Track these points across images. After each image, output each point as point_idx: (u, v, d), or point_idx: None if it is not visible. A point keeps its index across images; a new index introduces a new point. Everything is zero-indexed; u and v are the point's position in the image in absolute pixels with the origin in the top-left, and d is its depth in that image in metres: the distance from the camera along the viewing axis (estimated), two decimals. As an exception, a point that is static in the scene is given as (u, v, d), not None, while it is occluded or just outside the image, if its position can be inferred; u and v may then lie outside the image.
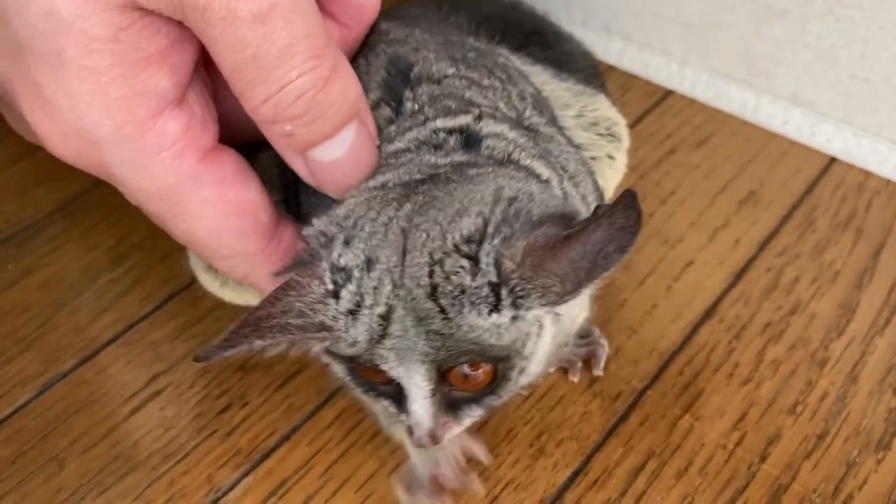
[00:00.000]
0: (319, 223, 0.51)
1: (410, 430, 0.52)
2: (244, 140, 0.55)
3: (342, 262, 0.48)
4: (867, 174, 0.91)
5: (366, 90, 0.55)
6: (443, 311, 0.47)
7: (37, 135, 0.51)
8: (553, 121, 0.65)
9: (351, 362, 0.51)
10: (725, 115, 0.98)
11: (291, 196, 0.62)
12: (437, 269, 0.47)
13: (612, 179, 0.72)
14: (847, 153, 0.92)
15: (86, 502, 0.67)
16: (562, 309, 0.49)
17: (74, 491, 0.67)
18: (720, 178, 0.91)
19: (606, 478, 0.67)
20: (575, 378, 0.73)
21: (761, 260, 0.82)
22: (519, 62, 0.70)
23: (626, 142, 0.72)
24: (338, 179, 0.54)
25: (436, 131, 0.55)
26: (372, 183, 0.53)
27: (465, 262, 0.47)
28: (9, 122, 0.57)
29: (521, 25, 0.84)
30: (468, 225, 0.47)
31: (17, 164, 0.94)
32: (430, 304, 0.47)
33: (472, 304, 0.47)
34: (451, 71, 0.59)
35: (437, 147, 0.54)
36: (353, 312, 0.48)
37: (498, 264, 0.46)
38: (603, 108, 0.71)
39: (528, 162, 0.54)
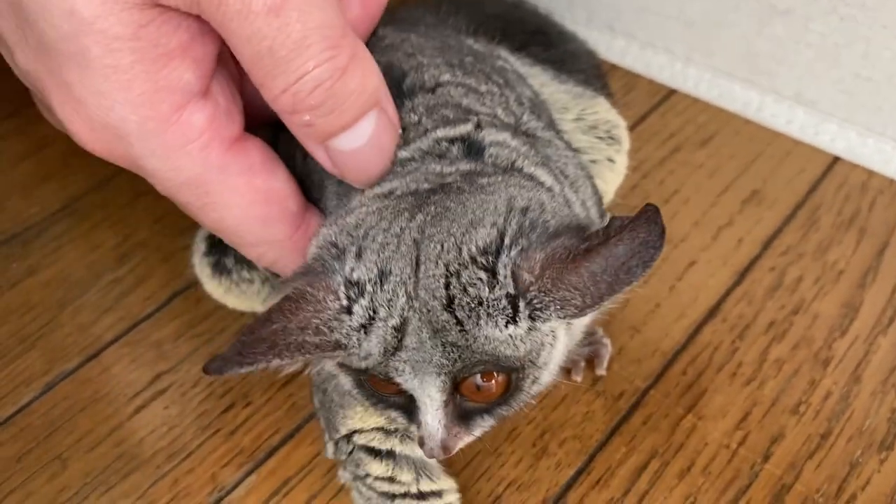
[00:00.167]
0: (329, 232, 0.51)
1: (421, 442, 0.51)
2: (271, 122, 0.56)
3: (355, 276, 0.48)
4: (871, 173, 0.90)
5: None
6: (459, 322, 0.47)
7: (68, 130, 0.52)
8: (551, 125, 0.65)
9: (361, 374, 0.51)
10: (729, 114, 0.98)
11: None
12: (453, 280, 0.47)
13: (612, 182, 0.71)
14: (850, 152, 0.92)
15: (89, 501, 0.67)
16: (575, 319, 0.49)
17: (78, 490, 0.67)
18: (724, 178, 0.91)
19: (609, 477, 0.67)
20: (578, 377, 0.73)
21: (765, 259, 0.82)
22: (518, 63, 0.70)
23: (626, 144, 0.71)
24: (360, 168, 0.54)
25: (438, 141, 0.55)
26: (378, 190, 0.53)
27: (483, 274, 0.47)
28: (44, 115, 0.58)
29: (524, 24, 0.84)
30: (483, 236, 0.47)
31: (22, 163, 0.94)
32: (446, 316, 0.47)
33: (490, 315, 0.46)
34: (445, 78, 0.59)
35: (440, 156, 0.54)
36: (365, 327, 0.48)
37: (516, 276, 0.46)
38: (602, 110, 0.71)
39: (532, 170, 0.54)
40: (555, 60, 0.73)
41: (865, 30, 0.86)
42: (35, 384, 0.74)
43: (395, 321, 0.47)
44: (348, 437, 0.62)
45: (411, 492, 0.62)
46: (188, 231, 0.71)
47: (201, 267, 0.69)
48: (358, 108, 0.51)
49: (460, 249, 0.47)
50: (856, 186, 0.89)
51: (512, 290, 0.46)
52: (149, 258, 0.84)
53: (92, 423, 0.72)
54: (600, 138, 0.70)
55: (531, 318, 0.47)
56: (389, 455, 0.61)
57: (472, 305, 0.46)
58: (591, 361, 0.74)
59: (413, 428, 0.52)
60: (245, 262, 0.68)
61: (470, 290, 0.46)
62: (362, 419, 0.60)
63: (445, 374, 0.48)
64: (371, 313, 0.48)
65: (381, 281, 0.48)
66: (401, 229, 0.49)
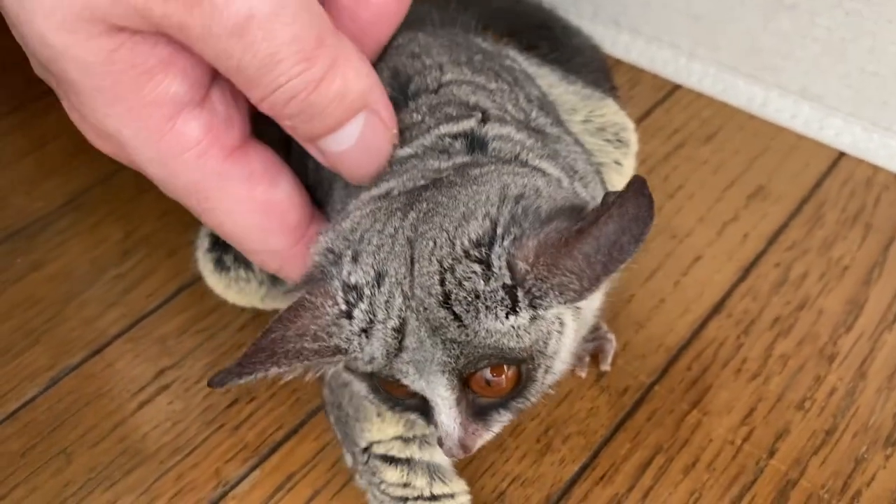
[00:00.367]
0: (325, 238, 0.51)
1: (440, 442, 0.51)
2: None
3: (353, 280, 0.48)
4: (876, 169, 0.90)
5: None
6: (457, 318, 0.46)
7: (81, 131, 0.53)
8: (558, 123, 0.64)
9: (372, 379, 0.51)
10: (734, 109, 0.98)
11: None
12: (447, 276, 0.46)
13: (618, 185, 0.71)
14: (856, 147, 0.92)
15: (94, 496, 0.67)
16: (583, 303, 0.49)
17: (83, 484, 0.67)
18: (729, 173, 0.90)
19: (613, 473, 0.67)
20: (582, 373, 0.73)
21: (770, 255, 0.82)
22: (526, 63, 0.69)
23: (634, 147, 0.71)
24: (351, 167, 0.54)
25: (441, 137, 0.54)
26: (375, 192, 0.52)
27: (477, 267, 0.46)
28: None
29: (530, 19, 0.84)
30: (475, 228, 0.47)
31: (26, 158, 0.94)
32: (443, 313, 0.46)
33: (488, 308, 0.46)
34: (449, 77, 0.59)
35: (441, 152, 0.54)
36: (366, 331, 0.47)
37: (511, 266, 0.46)
38: (611, 112, 0.70)
39: (537, 163, 0.53)
40: (562, 60, 0.73)
41: (871, 24, 0.86)
42: (39, 379, 0.74)
43: (393, 322, 0.47)
44: (367, 448, 0.62)
45: (424, 495, 0.62)
46: (193, 226, 0.71)
47: (204, 262, 0.69)
48: (340, 113, 0.50)
49: (453, 244, 0.47)
50: (861, 182, 0.89)
51: (509, 281, 0.46)
52: (153, 253, 0.84)
53: (96, 418, 0.72)
54: (608, 141, 0.69)
55: (532, 306, 0.46)
56: (406, 462, 0.61)
57: (469, 299, 0.46)
58: (596, 357, 0.74)
59: (431, 429, 0.51)
60: (243, 261, 0.68)
61: (465, 284, 0.46)
62: (380, 430, 0.60)
63: (450, 371, 0.48)
64: (371, 316, 0.47)
65: (377, 283, 0.47)
66: (395, 229, 0.48)
